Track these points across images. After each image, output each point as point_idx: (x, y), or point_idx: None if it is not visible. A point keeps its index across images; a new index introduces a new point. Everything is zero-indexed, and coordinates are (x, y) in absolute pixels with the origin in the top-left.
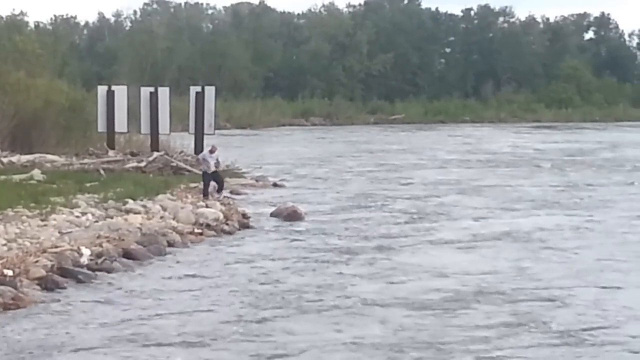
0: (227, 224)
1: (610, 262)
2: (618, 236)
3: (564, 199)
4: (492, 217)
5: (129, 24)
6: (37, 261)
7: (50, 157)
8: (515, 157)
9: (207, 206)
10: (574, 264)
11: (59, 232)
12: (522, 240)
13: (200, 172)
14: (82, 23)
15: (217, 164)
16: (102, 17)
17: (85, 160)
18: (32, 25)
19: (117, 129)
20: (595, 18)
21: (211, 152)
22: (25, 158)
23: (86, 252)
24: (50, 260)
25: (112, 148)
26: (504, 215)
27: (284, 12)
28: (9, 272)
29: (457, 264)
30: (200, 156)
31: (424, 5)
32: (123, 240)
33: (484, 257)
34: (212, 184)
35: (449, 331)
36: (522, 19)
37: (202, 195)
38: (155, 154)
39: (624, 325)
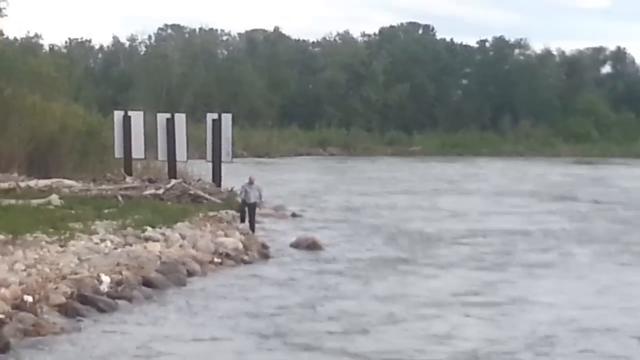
0: (246, 254)
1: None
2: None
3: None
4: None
5: (144, 49)
6: (57, 288)
7: (67, 182)
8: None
9: (226, 235)
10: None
11: (78, 259)
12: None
13: (219, 201)
14: (97, 47)
15: (259, 196)
16: (116, 41)
17: (103, 186)
18: (46, 48)
19: (134, 155)
20: (612, 52)
21: (250, 183)
22: (42, 183)
23: (106, 279)
24: (70, 287)
25: (130, 174)
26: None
27: (299, 40)
28: (29, 298)
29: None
30: (242, 186)
31: (438, 36)
32: (143, 268)
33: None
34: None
35: None
36: (538, 51)
37: (240, 222)
38: (173, 181)
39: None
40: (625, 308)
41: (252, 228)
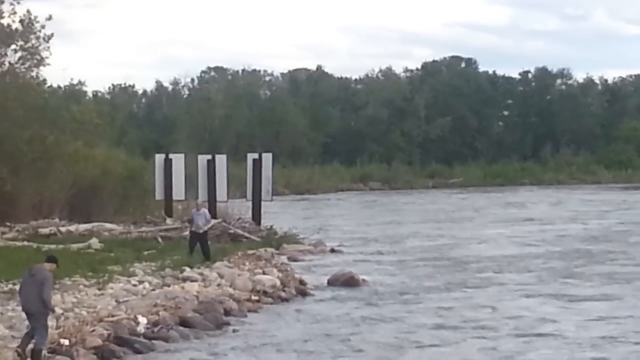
0: (284, 291)
1: None
2: None
3: None
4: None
5: (187, 92)
6: (93, 330)
7: (108, 225)
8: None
9: (264, 273)
10: None
11: (116, 301)
12: None
13: (259, 239)
14: (140, 92)
15: (207, 222)
16: (160, 86)
17: (143, 229)
18: (90, 94)
19: (174, 197)
20: None
21: (197, 210)
22: (83, 227)
23: (143, 320)
24: (107, 330)
25: (170, 216)
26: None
27: (341, 78)
28: (66, 342)
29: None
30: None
31: (481, 69)
32: (180, 308)
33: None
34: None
35: None
36: (580, 80)
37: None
38: (213, 221)
39: None
40: None
41: (207, 256)
